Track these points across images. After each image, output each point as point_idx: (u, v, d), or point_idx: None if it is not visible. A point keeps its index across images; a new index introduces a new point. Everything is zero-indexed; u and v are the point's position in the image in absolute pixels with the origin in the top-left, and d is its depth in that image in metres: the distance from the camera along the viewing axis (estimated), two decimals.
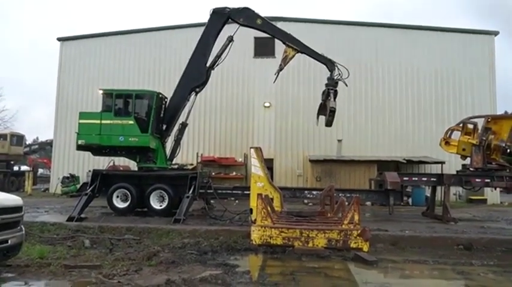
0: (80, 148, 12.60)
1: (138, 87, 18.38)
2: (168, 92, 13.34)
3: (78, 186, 18.95)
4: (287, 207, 10.53)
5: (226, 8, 12.83)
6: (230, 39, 13.02)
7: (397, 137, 20.62)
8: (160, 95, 13.00)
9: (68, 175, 20.82)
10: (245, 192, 11.73)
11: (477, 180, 12.48)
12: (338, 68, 12.21)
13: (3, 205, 5.59)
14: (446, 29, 21.77)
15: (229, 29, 13.09)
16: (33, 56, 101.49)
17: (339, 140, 20.14)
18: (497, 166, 12.48)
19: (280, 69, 12.55)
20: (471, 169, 12.68)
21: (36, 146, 33.31)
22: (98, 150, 12.83)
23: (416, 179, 13.33)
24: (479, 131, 12.68)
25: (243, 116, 21.13)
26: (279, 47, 14.48)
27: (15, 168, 28.03)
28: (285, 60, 12.48)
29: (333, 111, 11.98)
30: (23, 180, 24.86)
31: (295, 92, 20.92)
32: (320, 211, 9.83)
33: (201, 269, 6.49)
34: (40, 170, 36.19)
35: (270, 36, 13.32)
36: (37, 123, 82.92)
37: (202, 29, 13.16)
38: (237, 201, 14.99)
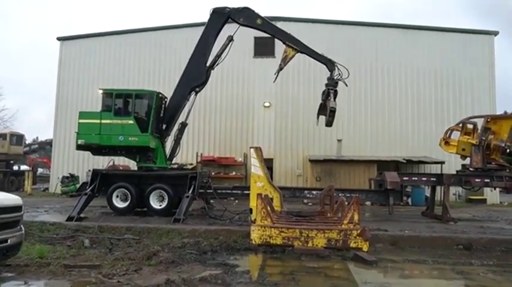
0: (79, 147, 12.59)
1: (138, 87, 18.35)
2: (168, 92, 13.34)
3: (77, 186, 18.89)
4: (287, 207, 10.53)
5: (226, 7, 12.82)
6: (230, 39, 13.02)
7: (396, 137, 20.63)
8: (160, 95, 13.00)
9: (68, 175, 20.81)
10: (245, 192, 11.74)
11: (477, 180, 12.49)
12: (338, 68, 12.21)
13: (2, 204, 5.59)
14: (446, 29, 21.77)
15: (229, 29, 13.09)
16: (33, 56, 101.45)
17: (339, 140, 20.15)
18: (497, 166, 12.49)
19: (280, 69, 12.55)
20: (471, 169, 12.70)
21: (36, 146, 33.25)
22: (98, 150, 12.83)
23: (416, 179, 13.35)
24: (478, 131, 12.68)
25: (242, 116, 21.13)
26: (279, 46, 14.48)
27: (15, 168, 28.00)
28: (285, 60, 12.49)
29: (333, 112, 11.98)
30: (22, 180, 24.85)
31: (295, 92, 20.92)
32: (320, 211, 9.83)
33: (200, 269, 6.50)
34: (40, 170, 36.17)
35: (270, 36, 13.32)
36: (37, 122, 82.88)
37: (202, 28, 13.15)
38: (236, 201, 14.99)
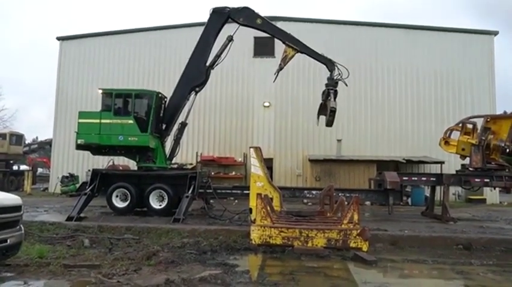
0: (79, 147, 12.59)
1: (137, 86, 18.36)
2: (168, 92, 13.33)
3: (77, 185, 18.91)
4: (286, 207, 10.53)
5: (226, 7, 12.82)
6: (230, 39, 13.01)
7: (396, 137, 20.63)
8: (160, 95, 13.00)
9: (68, 175, 20.80)
10: (244, 192, 11.74)
11: (476, 180, 12.49)
12: (338, 68, 12.19)
13: (2, 204, 5.58)
14: (446, 29, 21.78)
15: (229, 29, 13.08)
16: (33, 56, 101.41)
17: (339, 140, 20.15)
18: (497, 166, 12.50)
19: (280, 68, 12.55)
20: (470, 169, 12.70)
21: (36, 146, 33.23)
22: (98, 149, 12.83)
23: (415, 179, 13.35)
24: (478, 131, 12.68)
25: (242, 116, 21.13)
26: (279, 46, 14.47)
27: (15, 167, 28.01)
28: (285, 60, 12.48)
29: (333, 112, 11.98)
30: (22, 179, 24.85)
31: (294, 91, 20.93)
32: (319, 211, 9.83)
33: (200, 268, 6.50)
34: (39, 170, 36.16)
35: (270, 36, 13.32)
36: (36, 122, 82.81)
37: (202, 28, 13.14)
38: (236, 201, 15.00)
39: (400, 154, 19.56)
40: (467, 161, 13.03)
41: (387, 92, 20.97)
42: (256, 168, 9.71)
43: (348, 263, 7.25)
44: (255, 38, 20.26)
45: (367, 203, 15.35)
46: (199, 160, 19.81)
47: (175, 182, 12.21)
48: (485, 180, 12.39)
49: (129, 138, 12.11)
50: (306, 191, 12.75)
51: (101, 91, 12.93)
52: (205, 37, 12.90)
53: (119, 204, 12.13)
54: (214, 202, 13.60)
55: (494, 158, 12.48)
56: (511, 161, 12.36)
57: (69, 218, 10.69)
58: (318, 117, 12.96)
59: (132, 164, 15.44)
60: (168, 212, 11.67)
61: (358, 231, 6.94)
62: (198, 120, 20.17)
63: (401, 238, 9.16)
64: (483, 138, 12.41)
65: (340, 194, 10.41)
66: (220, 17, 12.85)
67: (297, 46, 12.38)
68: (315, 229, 7.17)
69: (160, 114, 13.05)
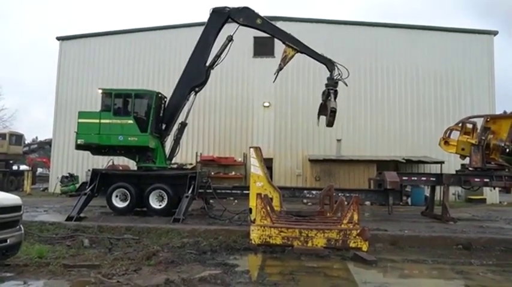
0: (79, 147, 12.58)
1: (137, 86, 18.36)
2: (168, 92, 13.33)
3: (77, 185, 18.92)
4: (286, 207, 10.53)
5: (226, 7, 12.81)
6: (230, 39, 13.01)
7: (396, 137, 20.63)
8: (160, 95, 12.99)
9: (67, 175, 20.79)
10: (244, 192, 11.73)
11: (476, 180, 12.49)
12: (338, 68, 12.19)
13: (2, 204, 5.58)
14: (446, 29, 21.79)
15: (229, 29, 13.08)
16: (33, 56, 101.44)
17: (338, 140, 20.15)
18: (496, 166, 12.49)
19: (280, 68, 12.54)
20: (470, 169, 12.70)
21: (36, 146, 33.23)
22: (97, 149, 12.83)
23: (415, 178, 13.34)
24: (478, 130, 12.68)
25: (242, 116, 21.13)
26: (279, 46, 14.47)
27: (14, 167, 28.00)
28: (285, 60, 12.48)
29: (333, 112, 11.97)
30: (22, 179, 24.84)
31: (294, 91, 20.93)
32: (319, 211, 9.83)
33: (200, 268, 6.49)
34: (39, 170, 36.15)
35: (270, 36, 13.32)
36: (36, 122, 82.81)
37: (202, 28, 13.14)
38: (236, 201, 15.00)
39: (400, 154, 19.56)
40: (467, 161, 13.03)
41: (387, 92, 20.97)
42: (256, 168, 9.70)
43: (348, 263, 7.24)
44: (255, 38, 20.25)
45: (367, 203, 15.35)
46: (199, 159, 19.81)
47: (175, 182, 12.21)
48: (485, 180, 12.39)
49: (129, 138, 12.10)
50: (305, 191, 12.75)
51: (100, 91, 12.93)
52: (205, 37, 12.90)
53: (119, 204, 12.13)
54: (214, 202, 13.60)
55: (494, 158, 12.48)
56: (510, 161, 12.36)
57: (69, 218, 10.69)
58: (318, 118, 12.95)
59: (132, 164, 15.44)
60: (168, 212, 11.66)
61: (358, 231, 6.94)
62: (198, 120, 20.17)
63: (401, 238, 9.16)
64: (483, 138, 12.41)
65: (340, 194, 10.41)
66: (220, 17, 12.84)
67: (297, 46, 12.37)
68: (315, 229, 7.17)
69: (160, 114, 13.04)
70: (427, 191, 15.62)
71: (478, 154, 12.31)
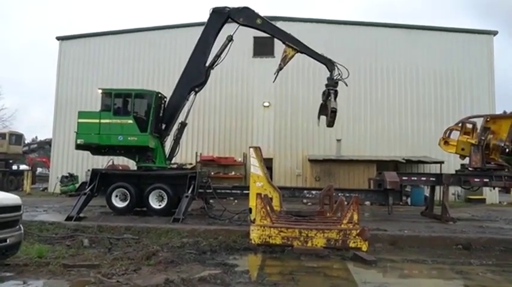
0: (78, 147, 12.57)
1: (137, 86, 18.33)
2: (168, 92, 13.32)
3: (77, 185, 18.92)
4: (286, 207, 10.54)
5: (226, 7, 12.80)
6: (230, 39, 13.00)
7: (396, 137, 20.64)
8: (160, 95, 12.99)
9: (67, 174, 20.79)
10: (244, 191, 11.73)
11: (476, 180, 12.50)
12: (338, 68, 12.18)
13: (2, 204, 5.58)
14: (446, 29, 21.79)
15: (228, 29, 13.07)
16: (33, 56, 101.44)
17: (338, 140, 20.15)
18: (496, 166, 12.50)
19: (280, 68, 12.53)
20: (470, 169, 12.71)
21: (35, 145, 33.23)
22: (97, 149, 12.82)
23: (415, 178, 13.34)
24: (478, 130, 12.69)
25: (242, 116, 21.13)
26: (279, 46, 14.47)
27: (14, 167, 28.03)
28: (285, 60, 12.47)
29: (334, 112, 11.96)
30: (21, 179, 24.84)
31: (294, 91, 20.92)
32: (319, 211, 9.83)
33: (200, 268, 6.49)
34: (39, 169, 36.15)
35: (270, 36, 13.31)
36: (36, 122, 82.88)
37: (201, 28, 13.13)
38: (236, 201, 15.00)
39: (400, 154, 19.56)
40: (466, 161, 13.03)
41: (387, 92, 20.97)
42: (255, 168, 9.71)
43: (348, 263, 7.24)
44: (255, 38, 20.24)
45: (367, 203, 15.35)
46: (199, 159, 19.81)
47: (175, 182, 12.21)
48: (485, 180, 12.39)
49: (129, 138, 12.10)
50: (305, 191, 12.75)
51: (100, 91, 12.92)
52: (205, 37, 12.89)
53: (119, 204, 12.12)
54: (213, 202, 13.60)
55: (493, 158, 12.48)
56: (510, 161, 12.36)
57: (69, 218, 10.68)
58: (319, 118, 12.94)
59: (132, 164, 15.43)
60: (168, 212, 11.66)
61: (358, 231, 6.94)
62: (197, 120, 20.17)
63: (401, 238, 9.16)
64: (483, 138, 12.41)
65: (339, 194, 10.42)
66: (220, 17, 12.84)
67: (297, 46, 12.37)
68: (315, 229, 7.17)
69: (160, 114, 13.03)
70: (426, 191, 15.63)
71: (477, 154, 12.32)
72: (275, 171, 20.24)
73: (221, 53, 13.06)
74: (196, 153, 20.14)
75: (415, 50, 21.01)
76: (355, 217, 7.07)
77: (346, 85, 12.42)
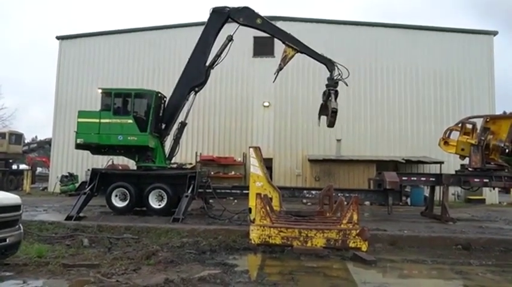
0: (78, 146, 12.57)
1: (137, 86, 18.34)
2: (168, 92, 13.31)
3: (76, 185, 18.91)
4: (286, 207, 10.53)
5: (226, 7, 12.80)
6: (230, 39, 12.99)
7: (396, 137, 20.64)
8: (160, 94, 12.99)
9: (67, 174, 20.79)
10: (244, 191, 11.73)
11: (476, 180, 12.50)
12: (338, 68, 12.17)
13: (1, 203, 5.58)
14: (446, 29, 21.79)
15: (228, 29, 13.07)
16: (33, 56, 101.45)
17: (338, 140, 20.14)
18: (496, 166, 12.50)
19: (280, 68, 12.53)
20: (470, 169, 12.71)
21: (35, 145, 33.25)
22: (97, 149, 12.82)
23: (415, 179, 13.33)
24: (478, 131, 12.69)
25: (242, 116, 21.13)
26: (279, 46, 14.47)
27: (14, 167, 28.02)
28: (285, 60, 12.46)
29: (335, 112, 11.94)
30: (21, 179, 24.84)
31: (294, 91, 20.93)
32: (319, 211, 9.83)
33: (199, 268, 6.49)
34: (39, 169, 36.09)
35: (270, 35, 13.31)
36: (36, 122, 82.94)
37: (201, 28, 13.12)
38: (235, 200, 15.00)
39: (400, 154, 19.56)
40: (466, 161, 13.03)
41: (387, 92, 20.97)
42: (255, 168, 9.71)
43: (347, 263, 7.24)
44: (255, 37, 20.24)
45: (367, 203, 15.35)
46: (198, 159, 19.81)
47: (175, 182, 12.20)
48: (485, 180, 12.39)
49: (129, 138, 12.10)
50: (305, 191, 12.75)
51: (100, 91, 12.92)
52: (205, 37, 12.89)
53: (118, 203, 12.12)
54: (213, 202, 13.60)
55: (493, 158, 12.48)
56: (510, 162, 12.36)
57: (69, 218, 10.68)
58: (319, 118, 12.93)
59: (132, 164, 15.43)
60: (168, 211, 11.66)
61: (358, 231, 6.95)
62: (197, 120, 20.17)
63: (401, 238, 9.16)
64: (482, 138, 12.41)
65: (339, 194, 10.42)
66: (220, 16, 12.83)
67: (297, 46, 12.36)
68: (314, 229, 7.17)
69: (159, 114, 13.03)
70: (426, 192, 15.63)
71: (477, 154, 12.32)
72: (275, 171, 20.25)
73: (221, 53, 13.06)
74: (196, 153, 20.15)
75: (415, 50, 21.01)
76: (355, 217, 7.07)
77: (346, 85, 12.40)
